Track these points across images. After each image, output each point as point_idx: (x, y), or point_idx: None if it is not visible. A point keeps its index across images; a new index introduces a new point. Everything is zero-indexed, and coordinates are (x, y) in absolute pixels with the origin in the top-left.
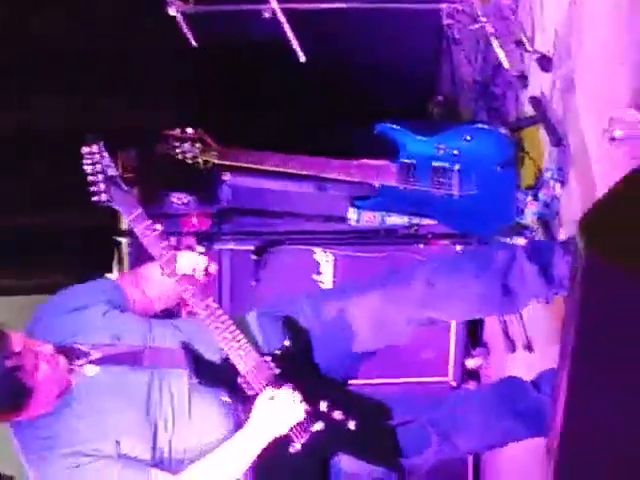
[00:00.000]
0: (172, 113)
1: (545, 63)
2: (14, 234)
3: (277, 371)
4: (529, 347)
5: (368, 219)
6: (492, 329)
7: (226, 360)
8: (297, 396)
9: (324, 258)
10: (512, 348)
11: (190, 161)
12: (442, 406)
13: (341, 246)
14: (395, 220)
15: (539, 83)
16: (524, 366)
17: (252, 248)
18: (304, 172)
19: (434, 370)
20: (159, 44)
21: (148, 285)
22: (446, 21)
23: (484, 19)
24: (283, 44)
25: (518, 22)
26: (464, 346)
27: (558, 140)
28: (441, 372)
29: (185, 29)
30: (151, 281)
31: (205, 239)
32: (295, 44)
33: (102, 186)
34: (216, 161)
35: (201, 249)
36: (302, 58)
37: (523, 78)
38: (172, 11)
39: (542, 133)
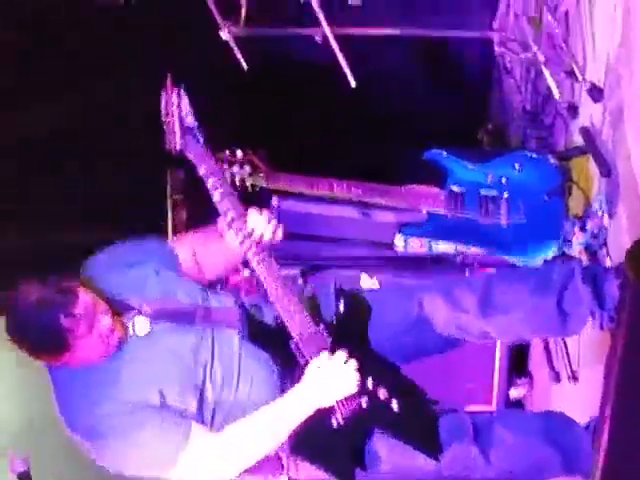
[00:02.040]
0: (221, 135)
1: (596, 93)
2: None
3: (329, 339)
4: (574, 377)
5: (415, 246)
6: (536, 359)
7: (280, 324)
8: (353, 364)
9: (369, 282)
10: (556, 378)
11: (238, 184)
12: (482, 418)
13: (387, 272)
14: (442, 247)
15: (589, 113)
16: (568, 397)
17: (298, 272)
18: (351, 197)
19: (478, 399)
20: (209, 65)
21: (204, 251)
22: (497, 49)
23: (535, 48)
24: (334, 68)
25: (569, 51)
26: (508, 375)
27: (607, 170)
28: (485, 401)
29: (237, 52)
30: (208, 246)
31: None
32: (346, 69)
33: (178, 134)
34: (264, 185)
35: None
36: (353, 83)
37: (573, 108)
38: (224, 34)
39: (591, 163)
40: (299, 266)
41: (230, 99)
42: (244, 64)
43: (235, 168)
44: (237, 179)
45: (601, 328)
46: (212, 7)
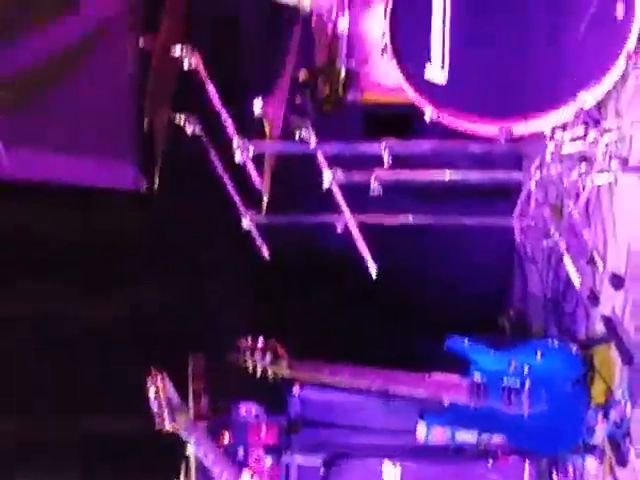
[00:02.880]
0: (242, 322)
1: (616, 282)
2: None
3: None
4: None
5: (437, 434)
6: None
7: None
8: None
9: (392, 470)
10: None
11: (259, 373)
12: None
13: (409, 460)
14: (464, 436)
15: (611, 301)
16: None
17: (320, 461)
18: (373, 385)
19: None
20: (231, 252)
21: None
22: (518, 237)
23: (556, 236)
24: (355, 256)
25: (590, 239)
26: None
27: (629, 359)
28: None
29: (258, 240)
30: None
31: (273, 451)
32: (367, 257)
33: (167, 415)
34: (286, 374)
35: (269, 461)
36: (374, 272)
37: (594, 296)
38: (246, 223)
39: (613, 351)
40: (321, 454)
41: (251, 286)
42: (265, 252)
43: (257, 356)
44: (258, 368)
45: None
46: (234, 195)
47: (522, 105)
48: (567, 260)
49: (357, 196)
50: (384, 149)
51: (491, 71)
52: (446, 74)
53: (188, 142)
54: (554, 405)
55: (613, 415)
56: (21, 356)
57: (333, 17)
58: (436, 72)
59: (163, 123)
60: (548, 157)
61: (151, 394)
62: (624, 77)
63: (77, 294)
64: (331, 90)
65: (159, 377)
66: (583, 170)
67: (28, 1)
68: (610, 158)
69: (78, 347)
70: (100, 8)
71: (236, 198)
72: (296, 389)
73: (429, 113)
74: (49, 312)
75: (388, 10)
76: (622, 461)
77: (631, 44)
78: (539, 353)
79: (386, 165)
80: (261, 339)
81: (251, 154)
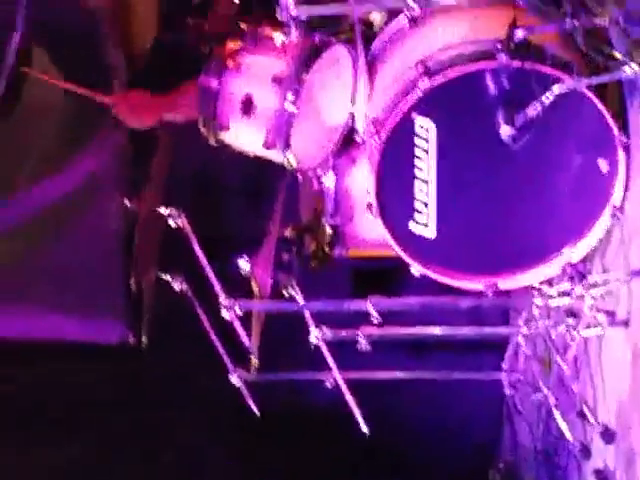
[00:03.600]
0: None
1: (607, 436)
2: None
3: None
4: None
5: None
6: None
7: None
8: None
9: None
10: None
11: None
12: None
13: None
14: None
15: (602, 454)
16: None
17: None
18: None
19: None
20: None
21: None
22: (508, 390)
23: (546, 390)
24: (345, 414)
25: (579, 393)
26: None
27: None
28: None
29: (247, 397)
30: None
31: None
32: (357, 414)
33: None
34: None
35: None
36: (365, 429)
37: (586, 449)
38: (234, 380)
39: None
40: None
41: (239, 444)
42: (255, 409)
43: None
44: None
45: None
46: (222, 353)
47: (508, 261)
48: (557, 414)
49: (346, 350)
50: (371, 307)
51: (476, 227)
52: (431, 231)
53: (175, 299)
54: None
55: None
56: None
57: (318, 173)
58: (421, 229)
59: (150, 281)
60: (535, 311)
61: None
62: (609, 231)
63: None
64: (317, 247)
65: None
66: (570, 323)
67: (20, 158)
68: (597, 312)
69: None
70: (87, 167)
71: (224, 355)
72: None
73: (416, 269)
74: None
75: (373, 167)
76: None
77: (616, 199)
78: None
79: (374, 321)
80: None
81: (239, 312)
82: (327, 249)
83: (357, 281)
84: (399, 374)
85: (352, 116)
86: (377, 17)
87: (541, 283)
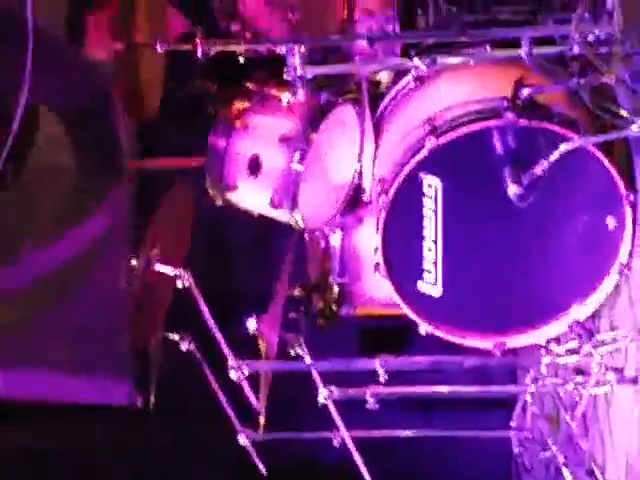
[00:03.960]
0: None
1: None
2: None
3: None
4: None
5: None
6: None
7: None
8: None
9: None
10: None
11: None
12: None
13: None
14: None
15: None
16: None
17: None
18: None
19: None
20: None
21: None
22: (516, 448)
23: (554, 448)
24: (353, 472)
25: (588, 451)
26: None
27: None
28: None
29: (255, 457)
30: None
31: None
32: (365, 473)
33: None
34: None
35: None
36: None
37: None
38: (242, 439)
39: None
40: None
41: None
42: (262, 468)
43: None
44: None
45: None
46: (230, 413)
47: (516, 319)
48: (566, 472)
49: (354, 409)
50: (379, 366)
51: (484, 285)
52: (439, 290)
53: (183, 359)
54: None
55: None
56: None
57: (326, 232)
58: (429, 287)
59: (157, 341)
60: (543, 369)
61: None
62: (617, 288)
63: None
64: (325, 305)
65: None
66: (579, 381)
67: (28, 221)
68: (606, 369)
69: None
70: (94, 228)
71: (232, 415)
72: None
73: (423, 327)
74: None
75: (380, 226)
76: None
77: (623, 256)
78: None
79: (382, 380)
80: None
81: (246, 373)
82: (335, 308)
83: (364, 340)
84: (407, 432)
85: (359, 175)
86: (384, 76)
87: (549, 341)
